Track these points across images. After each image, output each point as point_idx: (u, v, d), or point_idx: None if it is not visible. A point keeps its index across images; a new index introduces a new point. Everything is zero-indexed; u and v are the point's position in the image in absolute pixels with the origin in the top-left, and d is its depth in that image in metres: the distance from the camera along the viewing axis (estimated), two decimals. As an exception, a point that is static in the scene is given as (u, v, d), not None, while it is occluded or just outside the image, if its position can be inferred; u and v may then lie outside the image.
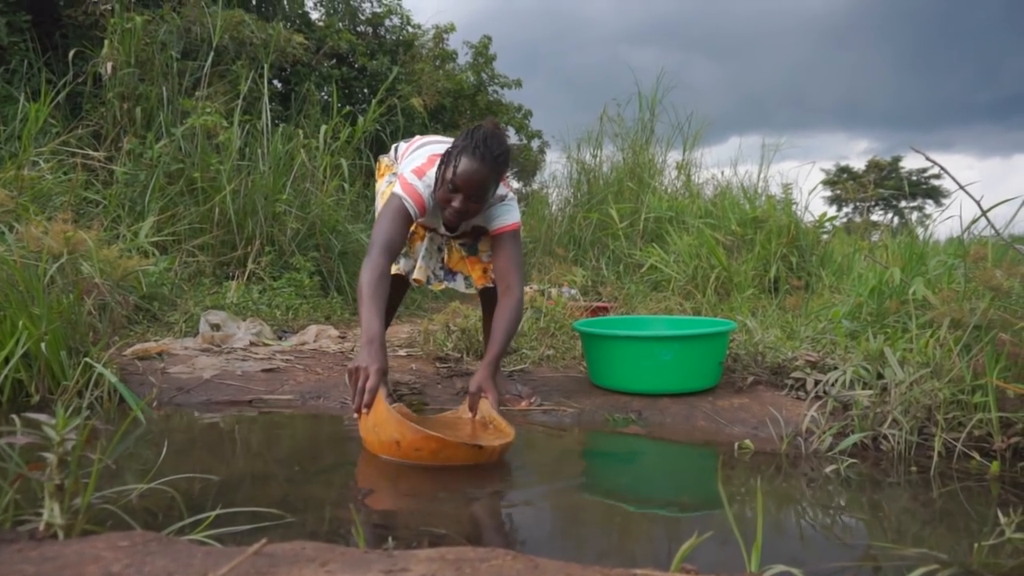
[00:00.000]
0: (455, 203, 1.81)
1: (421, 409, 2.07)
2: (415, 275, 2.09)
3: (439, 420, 1.83)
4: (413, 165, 1.93)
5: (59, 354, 1.92)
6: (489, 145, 1.79)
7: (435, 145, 2.06)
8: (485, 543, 1.13)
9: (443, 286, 2.19)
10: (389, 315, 2.22)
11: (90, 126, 3.85)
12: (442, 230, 2.07)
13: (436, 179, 1.87)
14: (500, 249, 1.98)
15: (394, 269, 2.06)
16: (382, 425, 1.52)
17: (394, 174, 2.20)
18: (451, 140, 2.05)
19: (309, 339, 2.90)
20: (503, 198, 1.98)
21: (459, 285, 2.20)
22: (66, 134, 3.55)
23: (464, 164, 1.78)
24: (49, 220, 2.46)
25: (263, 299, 3.30)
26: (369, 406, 1.53)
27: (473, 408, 1.80)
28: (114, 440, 1.28)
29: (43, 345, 1.89)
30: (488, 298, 2.22)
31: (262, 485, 1.40)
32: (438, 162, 1.90)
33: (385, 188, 2.21)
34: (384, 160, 2.31)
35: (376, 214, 2.12)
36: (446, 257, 2.19)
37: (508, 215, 1.99)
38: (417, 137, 2.21)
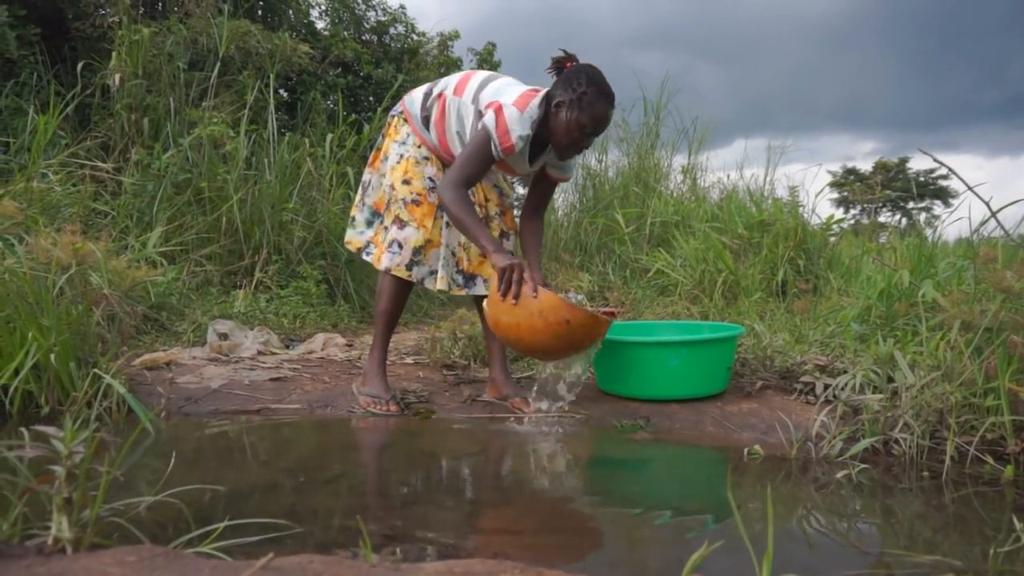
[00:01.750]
0: (583, 144, 1.96)
1: (428, 417, 2.07)
2: (438, 285, 2.08)
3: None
4: (511, 98, 1.92)
5: (68, 365, 1.93)
6: (608, 88, 1.92)
7: (513, 82, 2.03)
8: (493, 553, 1.12)
9: (464, 292, 2.16)
10: (393, 323, 2.22)
11: (98, 138, 3.88)
12: (521, 165, 2.07)
13: (555, 120, 1.92)
14: (543, 189, 2.20)
15: (406, 275, 2.07)
16: (553, 309, 1.75)
17: (400, 150, 2.14)
18: (513, 79, 2.06)
19: (316, 347, 2.91)
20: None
21: (479, 290, 2.17)
22: (75, 146, 3.57)
23: (601, 108, 1.90)
24: (58, 232, 2.48)
25: (270, 308, 3.31)
26: (517, 296, 1.78)
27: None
28: (122, 452, 1.29)
29: (52, 356, 1.90)
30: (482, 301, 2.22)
31: (270, 495, 1.40)
32: (536, 100, 1.92)
33: (400, 157, 2.12)
34: (395, 119, 2.20)
35: (386, 177, 2.13)
36: (464, 261, 2.16)
37: (571, 170, 2.22)
38: (468, 73, 2.12)
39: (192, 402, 2.12)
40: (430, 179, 2.11)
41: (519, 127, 1.88)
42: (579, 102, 1.88)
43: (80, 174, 3.41)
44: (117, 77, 3.84)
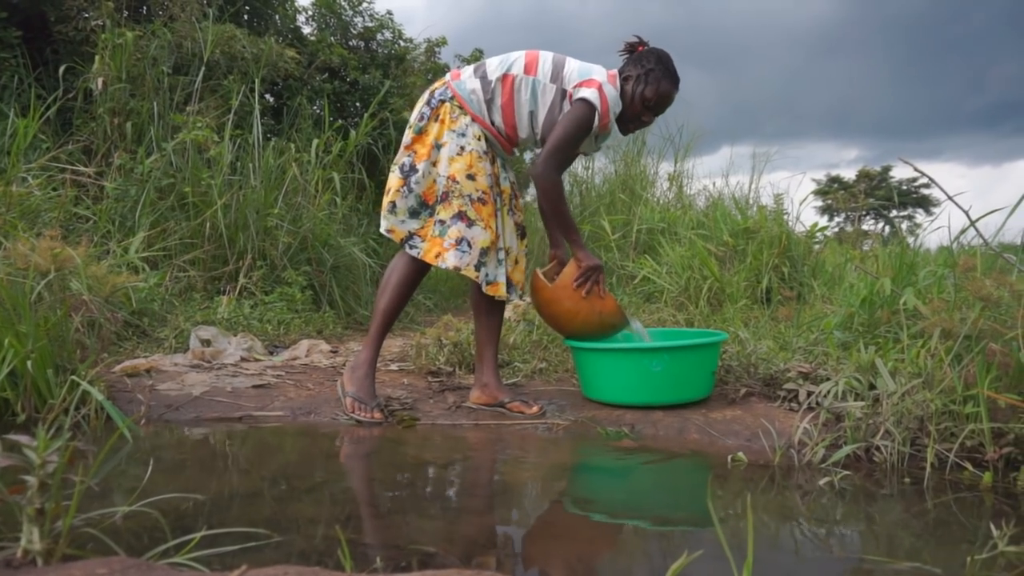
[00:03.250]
0: (646, 119, 2.08)
1: (413, 424, 2.05)
2: (500, 292, 2.05)
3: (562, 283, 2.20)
4: (602, 76, 2.02)
5: (45, 372, 1.90)
6: (676, 71, 2.05)
7: (590, 65, 2.08)
8: (475, 561, 1.11)
9: (510, 299, 2.14)
10: (392, 322, 2.15)
11: (80, 142, 3.84)
12: (589, 149, 2.19)
13: (630, 96, 2.04)
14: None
15: (474, 276, 2.00)
16: (612, 313, 2.10)
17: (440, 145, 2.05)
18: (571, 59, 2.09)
19: (301, 354, 2.89)
20: None
21: (514, 295, 2.17)
22: (56, 150, 3.53)
23: (666, 87, 2.03)
24: (37, 237, 2.45)
25: (254, 314, 3.28)
26: (603, 294, 2.07)
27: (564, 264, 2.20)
28: (98, 460, 1.27)
29: (29, 363, 1.87)
30: (482, 308, 2.21)
31: (250, 504, 1.38)
32: (618, 79, 2.05)
33: (462, 150, 2.01)
34: (447, 105, 2.04)
35: (441, 167, 2.01)
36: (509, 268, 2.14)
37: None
38: (533, 53, 2.08)
39: (173, 409, 2.09)
40: (491, 175, 2.05)
41: (616, 105, 2.01)
42: (646, 77, 2.02)
43: (61, 178, 3.37)
44: (100, 81, 3.81)
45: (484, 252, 2.00)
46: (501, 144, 2.10)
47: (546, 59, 2.06)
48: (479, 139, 2.04)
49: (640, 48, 2.10)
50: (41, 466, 0.87)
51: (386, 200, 2.08)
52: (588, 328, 2.12)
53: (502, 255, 2.07)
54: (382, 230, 2.11)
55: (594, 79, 1.99)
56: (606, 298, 2.08)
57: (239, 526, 1.16)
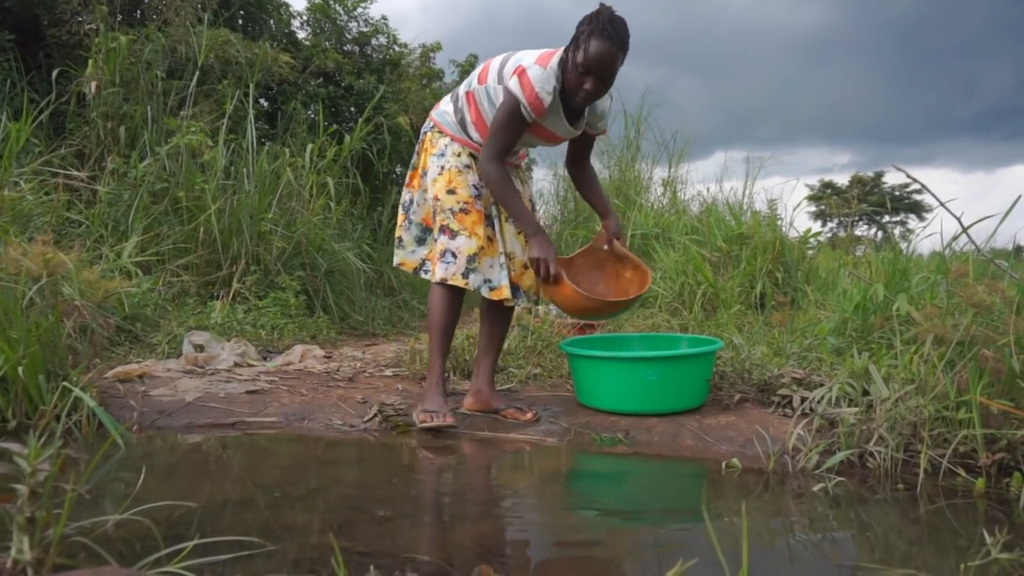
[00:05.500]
0: (587, 85, 1.87)
1: (407, 430, 2.05)
2: (503, 295, 2.04)
3: (586, 263, 2.27)
4: (531, 58, 1.93)
5: (37, 378, 1.88)
6: (615, 26, 1.84)
7: (534, 51, 2.01)
8: (469, 570, 1.11)
9: (515, 303, 2.13)
10: (450, 339, 2.16)
11: (73, 146, 3.82)
12: (562, 128, 2.04)
13: (562, 67, 1.91)
14: (585, 144, 2.21)
15: (463, 284, 2.01)
16: (569, 299, 1.97)
17: (437, 154, 2.10)
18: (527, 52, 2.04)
19: (294, 359, 2.88)
20: (612, 97, 2.11)
21: (522, 300, 2.16)
22: (49, 154, 3.51)
23: (595, 46, 1.82)
24: (29, 241, 2.43)
25: (248, 319, 3.27)
26: (554, 281, 1.94)
27: (611, 244, 2.23)
28: (90, 467, 1.26)
29: (20, 369, 1.85)
30: (487, 315, 2.21)
31: (243, 511, 1.37)
32: (556, 57, 1.92)
33: (441, 169, 2.08)
34: (429, 135, 2.15)
35: (429, 191, 2.10)
36: (511, 271, 2.13)
37: (606, 122, 2.19)
38: (486, 63, 2.10)
39: (166, 415, 2.08)
40: (474, 186, 2.07)
41: (545, 83, 1.89)
42: (576, 41, 1.87)
43: (53, 182, 3.35)
44: (93, 85, 3.79)
45: (472, 259, 2.01)
46: None
47: (495, 63, 2.04)
48: (458, 155, 2.10)
49: (599, 9, 1.93)
50: (32, 474, 0.87)
51: (396, 236, 2.26)
52: (577, 314, 2.13)
53: (502, 259, 2.07)
54: (394, 263, 2.27)
55: (520, 65, 1.93)
56: (562, 286, 1.96)
57: (232, 534, 1.15)
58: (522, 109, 1.89)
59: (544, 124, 2.01)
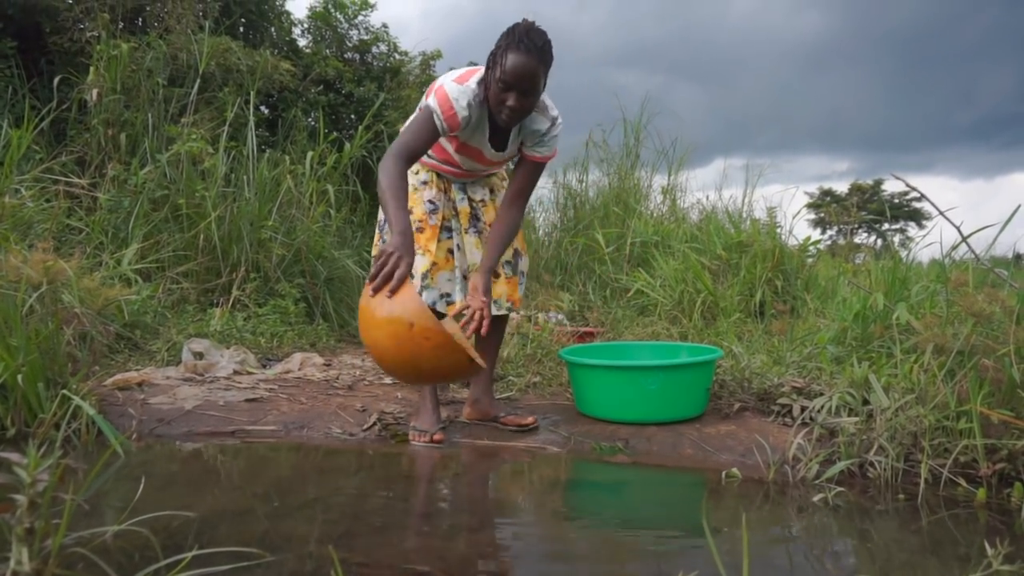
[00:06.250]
0: (509, 102, 1.80)
1: (406, 439, 2.04)
2: (458, 308, 1.99)
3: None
4: (452, 76, 1.89)
5: (36, 386, 1.88)
6: (532, 37, 1.78)
7: (452, 73, 1.98)
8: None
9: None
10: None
11: (74, 153, 3.83)
12: (488, 152, 2.00)
13: (484, 86, 1.85)
14: (524, 172, 2.01)
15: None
16: (405, 304, 1.49)
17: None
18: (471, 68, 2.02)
19: (294, 367, 2.87)
20: (554, 121, 1.97)
21: (491, 309, 2.13)
22: (49, 161, 3.52)
23: (512, 59, 1.76)
24: (29, 248, 2.43)
25: (247, 326, 3.27)
26: (395, 291, 1.50)
27: (473, 301, 1.81)
28: (89, 477, 1.25)
29: (20, 377, 1.85)
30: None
31: (242, 521, 1.37)
32: (477, 74, 1.88)
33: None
34: None
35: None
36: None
37: (549, 145, 2.00)
38: (434, 81, 2.07)
39: (165, 424, 2.07)
40: (430, 202, 2.08)
41: (460, 97, 1.83)
42: (494, 57, 1.81)
43: (54, 190, 3.35)
44: (94, 92, 3.80)
45: (424, 276, 2.02)
46: (454, 173, 2.11)
47: (436, 82, 2.01)
48: (416, 173, 2.12)
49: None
50: (31, 485, 0.86)
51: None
52: (386, 341, 1.50)
53: (457, 273, 2.06)
54: None
55: (438, 82, 1.91)
56: (402, 290, 1.51)
57: (231, 544, 1.15)
58: (435, 118, 1.83)
59: (469, 142, 1.99)
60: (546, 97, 1.95)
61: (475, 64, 7.14)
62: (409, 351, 1.49)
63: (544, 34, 1.82)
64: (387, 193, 1.68)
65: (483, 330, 1.73)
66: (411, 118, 1.88)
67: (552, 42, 1.84)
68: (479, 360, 1.60)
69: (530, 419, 2.12)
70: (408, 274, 1.53)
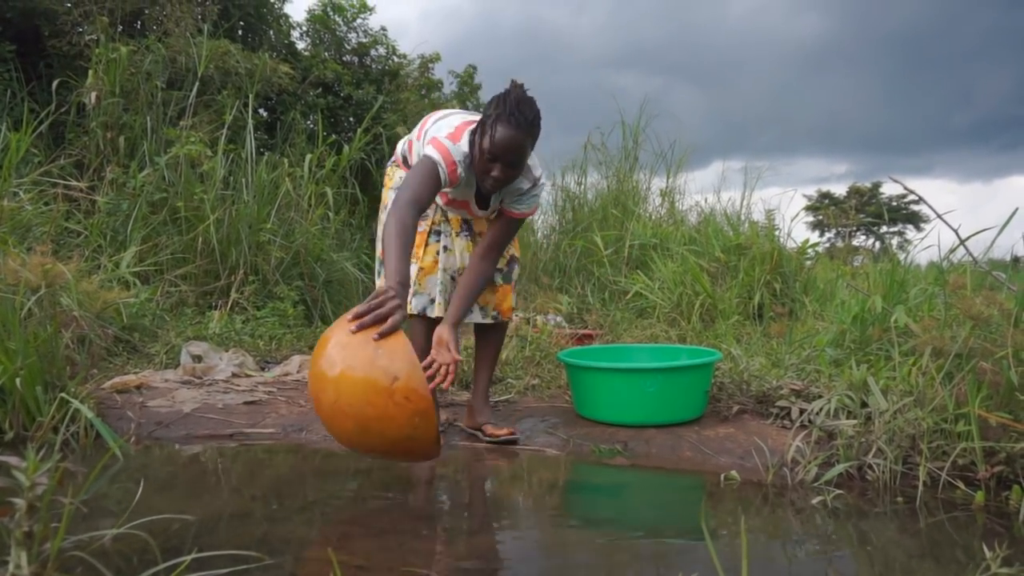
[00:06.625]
0: (494, 172, 1.79)
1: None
2: (435, 312, 2.00)
3: None
4: (445, 132, 1.86)
5: (35, 389, 1.88)
6: (523, 111, 1.76)
7: (458, 115, 1.97)
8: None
9: (476, 319, 2.10)
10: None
11: (73, 156, 3.83)
12: (473, 207, 2.00)
13: (471, 148, 1.82)
14: (501, 225, 1.97)
15: (408, 309, 1.95)
16: (394, 353, 1.30)
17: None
18: (467, 112, 2.02)
19: (292, 370, 2.87)
20: (536, 181, 1.95)
21: (475, 316, 2.10)
22: (48, 164, 3.52)
23: (500, 132, 1.75)
24: (28, 252, 2.43)
25: (246, 329, 3.27)
26: (385, 335, 1.33)
27: (439, 355, 1.74)
28: (88, 480, 1.25)
29: (18, 380, 1.85)
30: (479, 330, 2.19)
31: (241, 524, 1.37)
32: (468, 131, 1.85)
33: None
34: (390, 168, 2.22)
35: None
36: None
37: (529, 204, 1.97)
38: (429, 115, 2.10)
39: (163, 426, 2.07)
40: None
41: (459, 156, 1.81)
42: (483, 124, 1.80)
43: (53, 193, 3.35)
44: (93, 95, 3.81)
45: (414, 282, 2.01)
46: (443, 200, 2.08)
47: (430, 121, 2.02)
48: None
49: (509, 89, 1.85)
50: (30, 488, 0.86)
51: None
52: (387, 399, 1.29)
53: (440, 275, 2.04)
54: None
55: (433, 137, 1.87)
56: (392, 336, 1.33)
57: (230, 547, 1.15)
58: (439, 169, 1.78)
59: (458, 197, 1.98)
60: (534, 156, 1.93)
61: (474, 68, 7.04)
62: (380, 409, 1.28)
63: (534, 105, 1.81)
64: (397, 240, 1.58)
65: (445, 384, 1.73)
66: (414, 167, 1.82)
67: (539, 115, 1.83)
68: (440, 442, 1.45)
69: (504, 431, 2.04)
70: (401, 324, 1.38)
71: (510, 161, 1.78)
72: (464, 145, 1.83)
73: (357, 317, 1.36)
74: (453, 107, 7.15)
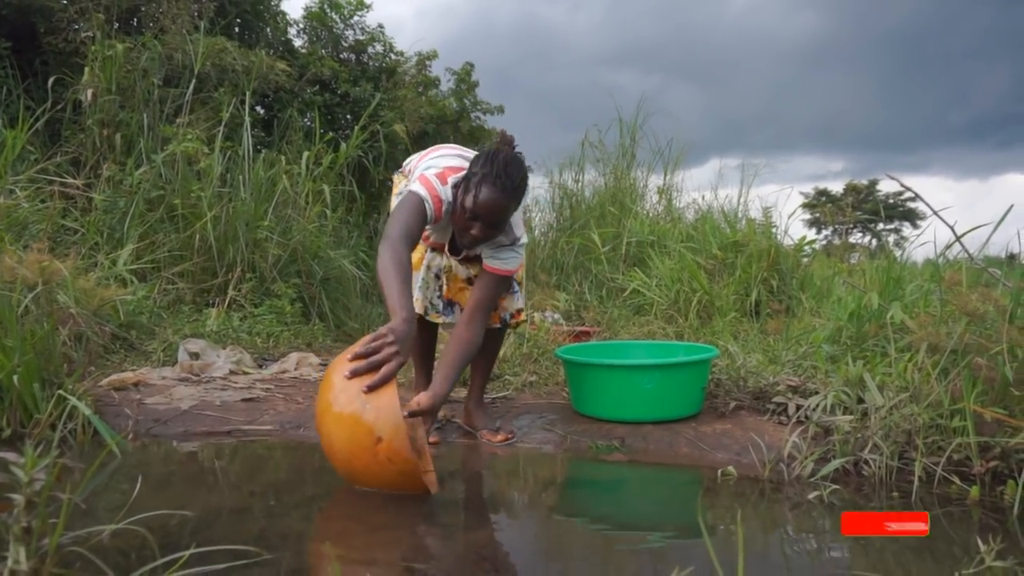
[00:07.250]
0: (473, 231, 1.77)
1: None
2: (416, 308, 1.99)
3: None
4: (434, 171, 1.85)
5: (32, 386, 1.88)
6: (510, 174, 1.75)
7: (451, 158, 1.96)
8: (466, 579, 1.11)
9: (441, 320, 2.11)
10: (421, 362, 2.22)
11: (69, 153, 3.82)
12: (446, 253, 2.02)
13: (454, 198, 1.81)
14: (483, 285, 1.93)
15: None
16: (380, 412, 1.31)
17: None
18: (465, 151, 2.02)
19: (290, 367, 2.87)
20: (516, 240, 1.92)
21: (457, 318, 2.10)
22: (44, 161, 3.51)
23: (485, 194, 1.73)
24: (24, 249, 2.43)
25: (243, 326, 3.27)
26: (374, 388, 1.34)
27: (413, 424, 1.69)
28: (86, 477, 1.25)
29: (15, 377, 1.85)
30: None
31: (239, 520, 1.37)
32: (452, 180, 1.83)
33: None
34: (397, 176, 2.24)
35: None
36: (444, 286, 2.11)
37: (510, 262, 1.92)
38: (432, 148, 2.12)
39: (161, 423, 2.07)
40: None
41: (445, 198, 1.80)
42: (467, 183, 1.77)
43: (49, 190, 3.35)
44: (89, 92, 3.79)
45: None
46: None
47: (425, 159, 2.02)
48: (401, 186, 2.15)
49: (499, 147, 1.84)
50: (28, 484, 0.87)
51: None
52: (372, 457, 1.35)
53: (423, 273, 2.06)
54: None
55: (422, 174, 1.86)
56: (384, 390, 1.35)
57: (228, 543, 1.15)
58: (426, 205, 1.76)
59: (438, 239, 1.99)
60: (518, 214, 1.91)
61: (471, 65, 7.04)
62: (364, 463, 1.34)
63: (522, 166, 1.80)
64: (395, 275, 1.56)
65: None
66: (400, 203, 1.79)
67: (526, 178, 1.82)
68: (433, 486, 1.50)
69: (500, 437, 2.05)
70: (396, 374, 1.38)
71: (491, 223, 1.76)
72: (449, 189, 1.81)
73: (356, 359, 1.38)
74: (450, 104, 7.16)
